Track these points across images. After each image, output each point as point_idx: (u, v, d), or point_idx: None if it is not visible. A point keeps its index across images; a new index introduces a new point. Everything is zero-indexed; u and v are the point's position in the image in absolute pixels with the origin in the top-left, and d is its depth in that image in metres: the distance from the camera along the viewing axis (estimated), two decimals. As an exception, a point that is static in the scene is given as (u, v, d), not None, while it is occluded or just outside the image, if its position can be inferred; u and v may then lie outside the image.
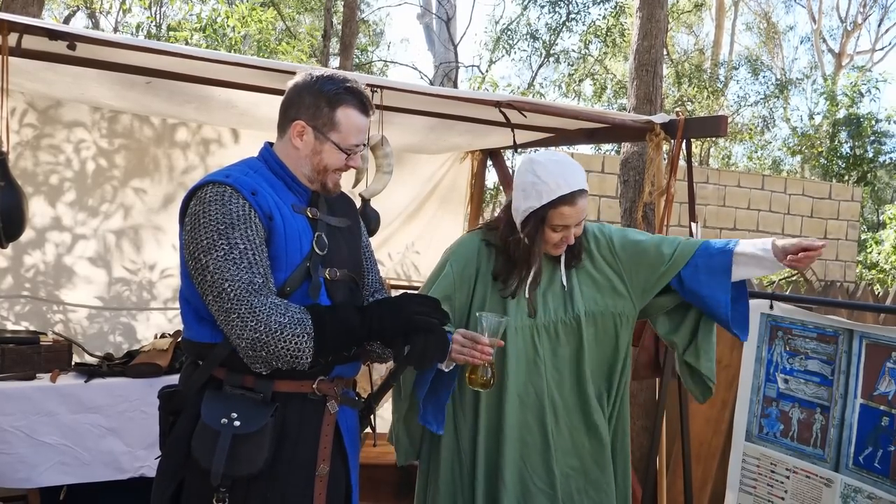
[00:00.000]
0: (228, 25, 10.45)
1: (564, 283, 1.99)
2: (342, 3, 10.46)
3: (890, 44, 21.16)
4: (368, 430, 1.89)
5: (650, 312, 2.14)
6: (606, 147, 14.38)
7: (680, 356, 2.14)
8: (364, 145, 1.73)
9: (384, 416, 3.80)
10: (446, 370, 1.88)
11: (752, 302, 2.58)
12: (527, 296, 1.97)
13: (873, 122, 14.10)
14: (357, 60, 14.05)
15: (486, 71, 16.03)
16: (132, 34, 11.18)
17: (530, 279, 1.95)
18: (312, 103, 1.64)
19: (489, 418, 1.99)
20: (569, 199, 1.86)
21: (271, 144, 1.72)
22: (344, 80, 1.66)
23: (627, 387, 2.10)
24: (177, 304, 1.70)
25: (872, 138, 14.21)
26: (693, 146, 3.06)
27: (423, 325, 1.62)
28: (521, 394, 1.96)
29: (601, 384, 2.06)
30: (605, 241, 2.04)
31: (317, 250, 1.64)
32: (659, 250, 2.01)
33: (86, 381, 2.82)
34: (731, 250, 1.97)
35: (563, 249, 1.96)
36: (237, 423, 1.51)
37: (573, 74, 15.97)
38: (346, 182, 2.72)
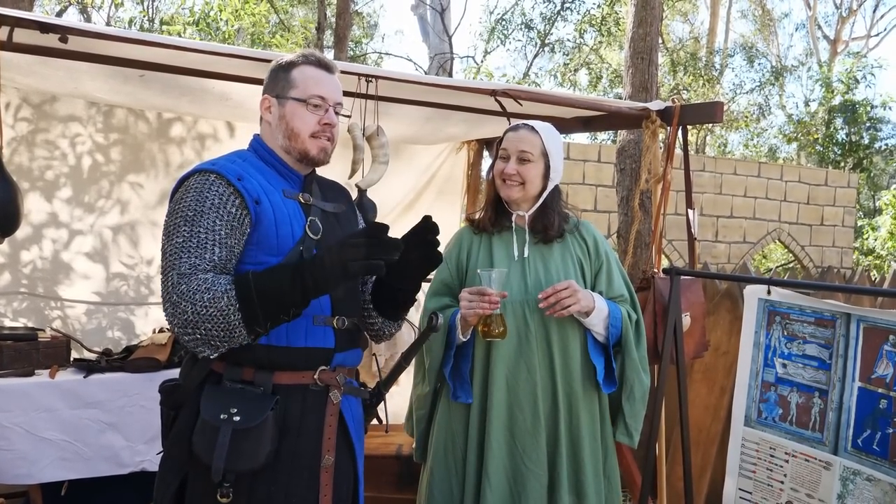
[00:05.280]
0: (222, 19, 10.41)
1: (525, 253, 2.05)
2: (335, -6, 10.40)
3: (885, 30, 21.20)
4: (376, 420, 1.87)
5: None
6: (602, 136, 14.39)
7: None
8: (340, 105, 1.69)
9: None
10: (463, 339, 1.97)
11: (750, 287, 2.59)
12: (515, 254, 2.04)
13: (869, 109, 14.10)
14: (351, 52, 13.98)
15: (482, 62, 16.00)
16: (124, 29, 11.12)
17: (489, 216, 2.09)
18: (273, 77, 1.68)
19: (479, 399, 2.00)
20: (512, 128, 2.12)
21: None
22: (303, 53, 1.70)
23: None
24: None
25: (868, 125, 14.22)
26: (689, 135, 3.05)
27: (361, 272, 1.47)
28: (512, 371, 1.97)
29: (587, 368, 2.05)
30: (592, 233, 2.15)
31: (310, 234, 1.63)
32: (610, 279, 2.11)
33: (85, 377, 2.81)
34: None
35: (513, 190, 2.03)
36: (237, 418, 1.49)
37: (568, 64, 15.94)
38: (342, 172, 2.74)
